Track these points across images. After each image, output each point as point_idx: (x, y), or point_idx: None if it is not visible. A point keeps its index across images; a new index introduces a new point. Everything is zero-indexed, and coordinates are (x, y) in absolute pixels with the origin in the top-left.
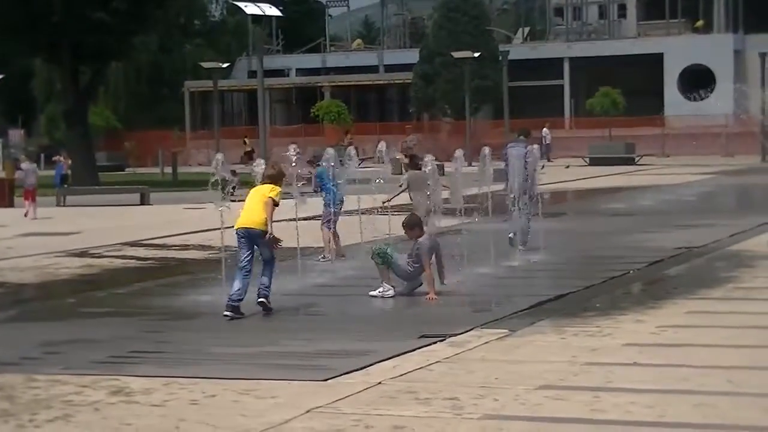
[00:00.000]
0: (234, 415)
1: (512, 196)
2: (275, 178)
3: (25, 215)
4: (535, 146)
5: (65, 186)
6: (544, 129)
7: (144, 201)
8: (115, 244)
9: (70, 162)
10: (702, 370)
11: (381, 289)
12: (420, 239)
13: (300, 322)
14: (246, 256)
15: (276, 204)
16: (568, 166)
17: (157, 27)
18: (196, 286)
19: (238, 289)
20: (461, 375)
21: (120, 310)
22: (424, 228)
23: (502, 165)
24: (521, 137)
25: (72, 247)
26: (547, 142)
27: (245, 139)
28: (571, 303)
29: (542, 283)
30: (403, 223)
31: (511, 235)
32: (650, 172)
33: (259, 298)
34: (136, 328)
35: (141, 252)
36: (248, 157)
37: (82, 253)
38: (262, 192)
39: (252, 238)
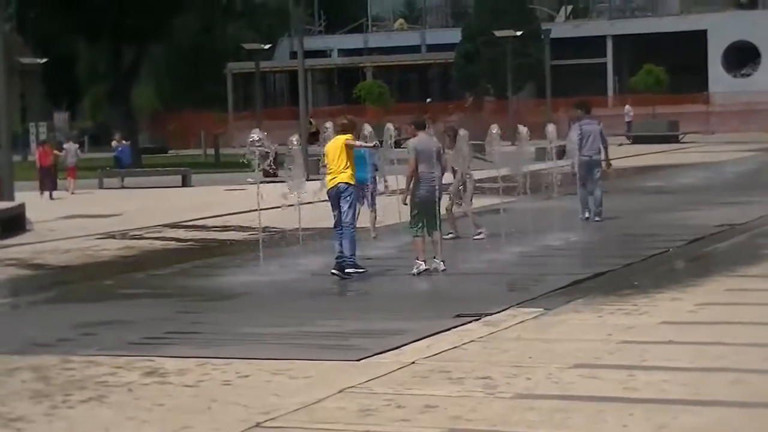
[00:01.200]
0: (266, 395)
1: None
2: (347, 126)
3: (66, 189)
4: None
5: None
6: (627, 106)
7: (186, 183)
8: (155, 226)
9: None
10: (738, 347)
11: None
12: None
13: (334, 302)
14: (338, 217)
15: (350, 146)
16: (621, 144)
17: (198, 8)
18: (233, 266)
19: (340, 251)
20: (495, 354)
21: (157, 292)
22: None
23: (573, 140)
24: (587, 113)
25: (113, 229)
26: (629, 119)
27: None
28: (609, 281)
29: (580, 261)
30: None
31: (580, 216)
32: (694, 150)
33: (347, 269)
34: (172, 310)
35: (181, 233)
36: (314, 138)
37: (123, 235)
38: (338, 145)
39: (338, 194)
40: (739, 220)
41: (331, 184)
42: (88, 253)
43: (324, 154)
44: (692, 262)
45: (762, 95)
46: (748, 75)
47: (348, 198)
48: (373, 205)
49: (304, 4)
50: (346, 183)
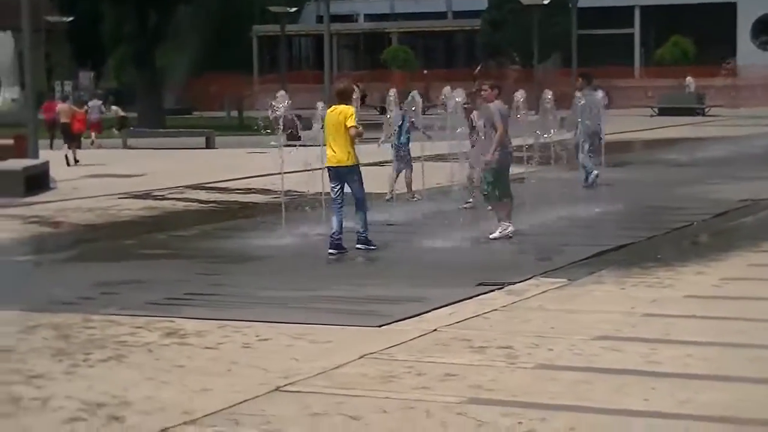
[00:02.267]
0: (286, 359)
1: (583, 142)
2: (344, 93)
3: (91, 143)
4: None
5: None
6: (688, 78)
7: (209, 145)
8: (178, 187)
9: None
10: (760, 323)
11: (500, 229)
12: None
13: (354, 268)
14: (337, 192)
15: (358, 133)
16: (652, 115)
17: None
18: (255, 229)
19: (335, 227)
20: (517, 324)
21: (178, 253)
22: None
23: (576, 110)
24: (588, 84)
25: (136, 189)
26: (691, 90)
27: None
28: (633, 253)
29: (604, 233)
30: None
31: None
32: (719, 123)
33: (358, 244)
34: (193, 271)
35: (203, 195)
36: (362, 102)
37: (145, 195)
38: (338, 120)
39: (340, 175)
40: (763, 195)
41: (331, 162)
42: (111, 212)
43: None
44: (716, 236)
45: None
46: None
47: (355, 179)
48: (408, 167)
49: None
50: (348, 166)
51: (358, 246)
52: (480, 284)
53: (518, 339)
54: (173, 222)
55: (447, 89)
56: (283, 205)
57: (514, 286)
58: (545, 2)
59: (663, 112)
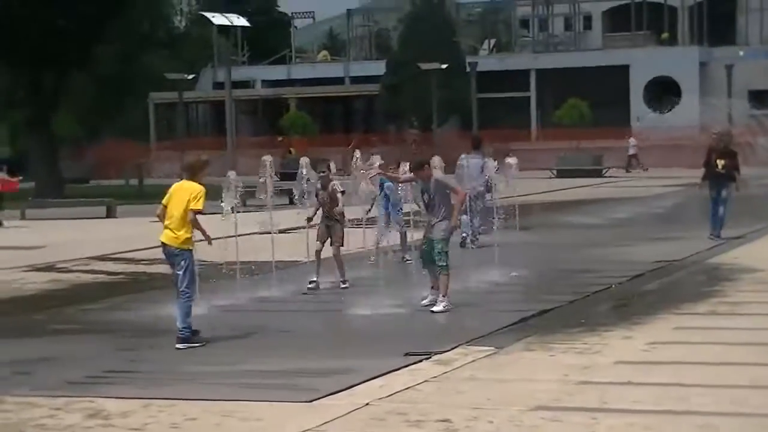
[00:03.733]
0: None
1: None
2: (194, 168)
3: None
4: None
5: None
6: (631, 138)
7: (110, 214)
8: (82, 258)
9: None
10: (700, 389)
11: (445, 303)
12: (435, 177)
13: (273, 339)
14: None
15: (199, 212)
16: (551, 177)
17: (120, 36)
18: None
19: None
20: (451, 395)
21: (91, 327)
22: None
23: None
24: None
25: (38, 261)
26: (633, 152)
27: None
28: (556, 318)
29: (523, 297)
30: (412, 167)
31: (463, 235)
32: (618, 184)
33: (177, 343)
34: (109, 346)
35: (110, 266)
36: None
37: (49, 268)
38: (182, 197)
39: (169, 256)
40: (676, 256)
41: (162, 239)
42: (14, 286)
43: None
44: (637, 299)
45: (682, 131)
46: (669, 111)
47: (182, 264)
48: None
49: (228, 34)
50: (179, 248)
51: (179, 346)
52: (407, 354)
53: (455, 411)
54: (82, 295)
55: (358, 154)
56: (196, 275)
57: (441, 355)
58: (443, 66)
59: (562, 173)
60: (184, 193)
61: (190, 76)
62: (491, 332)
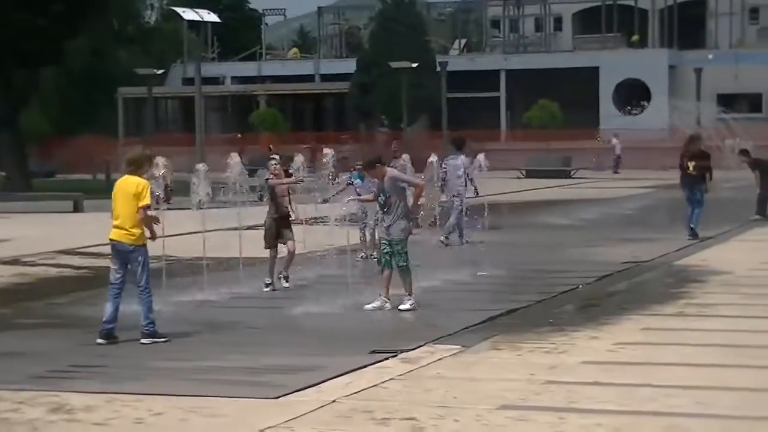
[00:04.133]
0: None
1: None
2: (136, 162)
3: None
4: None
5: None
6: (614, 140)
7: (77, 208)
8: (48, 252)
9: None
10: (667, 390)
11: (411, 302)
12: (389, 174)
13: (240, 335)
14: (118, 275)
15: (144, 220)
16: (520, 177)
17: (90, 32)
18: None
19: (109, 313)
20: (417, 393)
21: (57, 321)
22: None
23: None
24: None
25: (3, 254)
26: (617, 153)
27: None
28: (523, 318)
29: (492, 297)
30: (363, 166)
31: (441, 238)
32: (587, 186)
33: (142, 338)
34: (75, 341)
35: (76, 260)
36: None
37: (15, 261)
38: (127, 192)
39: (121, 254)
40: (644, 257)
41: (112, 237)
42: None
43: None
44: (605, 300)
45: (651, 133)
46: (637, 113)
47: (138, 261)
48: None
49: (198, 30)
50: (133, 245)
51: (143, 341)
52: (373, 352)
53: (421, 410)
54: (48, 289)
55: (329, 152)
56: (163, 270)
57: (408, 353)
58: (413, 66)
59: (531, 174)
60: (130, 187)
61: (160, 72)
62: (458, 331)
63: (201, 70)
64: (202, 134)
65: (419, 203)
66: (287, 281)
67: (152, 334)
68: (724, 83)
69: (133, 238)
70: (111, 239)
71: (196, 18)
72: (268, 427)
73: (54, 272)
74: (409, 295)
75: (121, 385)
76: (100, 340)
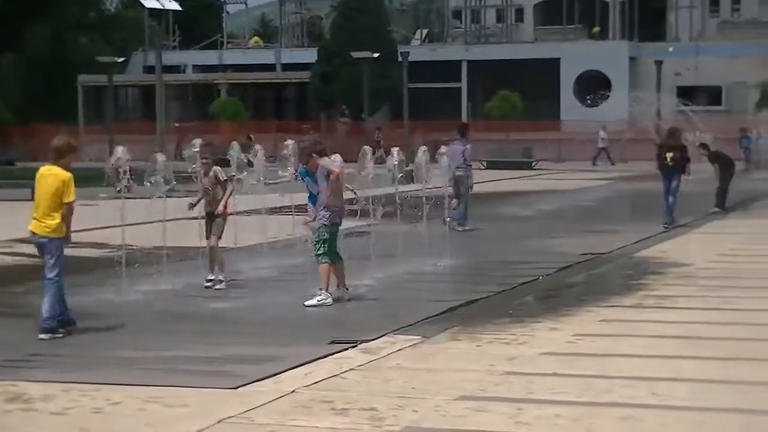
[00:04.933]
0: (140, 425)
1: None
2: (60, 151)
3: None
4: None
5: None
6: (601, 131)
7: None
8: (4, 241)
9: None
10: (624, 380)
11: (320, 297)
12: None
13: (200, 325)
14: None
15: (70, 210)
16: (481, 168)
17: (50, 18)
18: (92, 285)
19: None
20: (377, 384)
21: (14, 311)
22: None
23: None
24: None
25: None
26: (603, 145)
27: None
28: (483, 309)
29: (451, 288)
30: (300, 156)
31: (448, 219)
32: (548, 177)
33: (40, 333)
34: (32, 330)
35: (32, 249)
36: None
37: None
38: (49, 183)
39: (38, 245)
40: (603, 249)
41: (32, 228)
42: None
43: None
44: (564, 291)
45: (610, 125)
46: (598, 104)
47: (52, 253)
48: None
49: (160, 18)
50: (49, 236)
51: (42, 336)
52: (333, 342)
53: (381, 400)
54: (3, 277)
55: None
56: (123, 260)
57: (368, 344)
58: (375, 56)
59: (492, 165)
60: (52, 180)
61: (120, 60)
62: (418, 321)
63: (162, 59)
64: (163, 123)
65: (336, 192)
66: (208, 282)
67: (51, 330)
68: (683, 75)
69: (48, 230)
70: (30, 231)
71: (157, 6)
72: (227, 417)
73: (10, 261)
74: (320, 289)
75: (78, 375)
76: (42, 336)
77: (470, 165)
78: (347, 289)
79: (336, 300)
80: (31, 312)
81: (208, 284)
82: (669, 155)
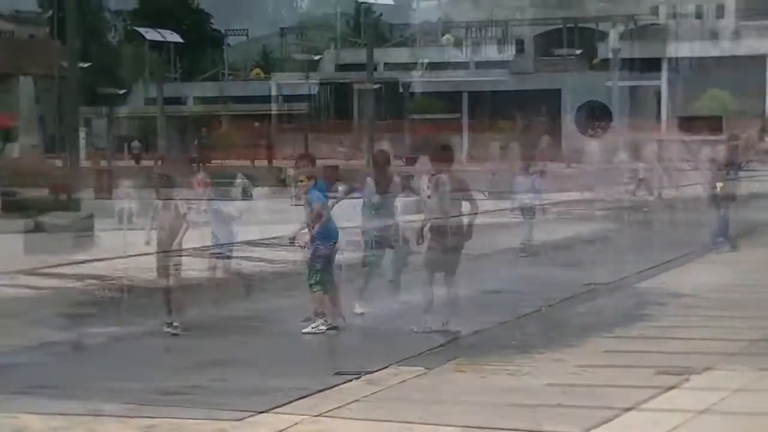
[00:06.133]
0: None
1: None
2: None
3: None
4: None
5: None
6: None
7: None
8: None
9: None
10: (630, 413)
11: (314, 324)
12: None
13: (196, 356)
14: None
15: None
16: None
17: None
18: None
19: None
20: (381, 415)
21: None
22: None
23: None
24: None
25: None
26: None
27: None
28: (487, 339)
29: (454, 318)
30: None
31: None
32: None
33: None
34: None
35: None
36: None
37: None
38: None
39: None
40: (604, 279)
41: None
42: None
43: None
44: (568, 322)
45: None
46: (599, 135)
47: None
48: None
49: (161, 51)
50: None
51: None
52: (337, 373)
53: (387, 431)
54: None
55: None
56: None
57: (372, 375)
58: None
59: (494, 195)
60: None
61: (122, 92)
62: (422, 352)
63: (163, 91)
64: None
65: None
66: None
67: None
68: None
69: None
70: None
71: (159, 39)
72: None
73: None
74: (315, 315)
75: (81, 406)
76: None
77: None
78: (344, 318)
79: (332, 328)
80: None
81: (167, 329)
82: (720, 185)
